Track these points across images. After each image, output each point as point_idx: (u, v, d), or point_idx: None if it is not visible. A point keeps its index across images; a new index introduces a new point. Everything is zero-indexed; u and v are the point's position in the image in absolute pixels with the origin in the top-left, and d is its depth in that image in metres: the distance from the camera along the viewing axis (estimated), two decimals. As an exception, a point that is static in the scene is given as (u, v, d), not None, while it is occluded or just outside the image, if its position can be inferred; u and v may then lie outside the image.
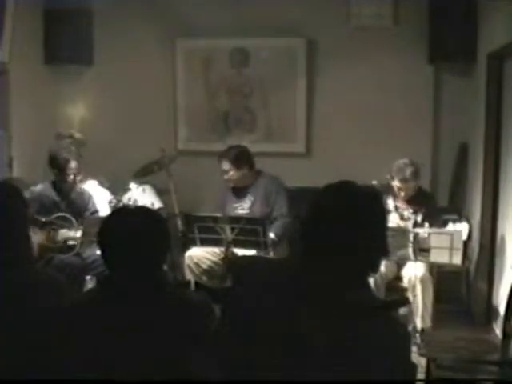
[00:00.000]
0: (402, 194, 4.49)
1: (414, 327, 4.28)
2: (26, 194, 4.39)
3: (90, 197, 4.72)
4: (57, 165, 4.48)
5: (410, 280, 4.34)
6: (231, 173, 4.80)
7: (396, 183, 4.47)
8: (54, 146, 4.68)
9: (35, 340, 2.07)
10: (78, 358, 1.99)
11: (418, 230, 4.24)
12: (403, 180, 4.43)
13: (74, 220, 4.42)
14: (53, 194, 4.52)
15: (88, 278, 4.51)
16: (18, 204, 2.46)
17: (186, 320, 2.06)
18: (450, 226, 4.38)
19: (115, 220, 2.18)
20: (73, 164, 4.47)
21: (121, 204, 4.82)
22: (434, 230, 4.25)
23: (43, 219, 4.34)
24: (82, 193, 4.71)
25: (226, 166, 4.79)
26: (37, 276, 2.38)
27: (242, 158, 4.82)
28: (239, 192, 4.95)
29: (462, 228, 4.39)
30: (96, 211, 4.68)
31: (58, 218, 4.41)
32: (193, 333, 2.05)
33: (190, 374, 2.01)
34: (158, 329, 2.01)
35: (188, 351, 2.04)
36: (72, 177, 4.50)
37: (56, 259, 4.31)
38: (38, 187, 4.55)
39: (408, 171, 4.41)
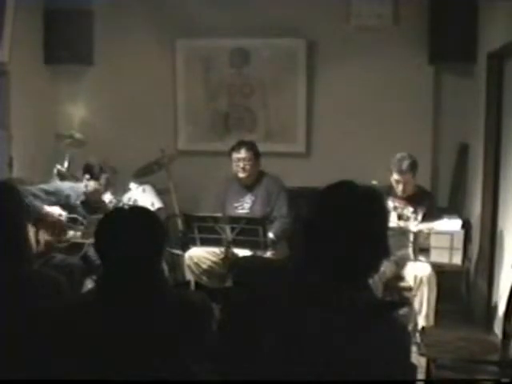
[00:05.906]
0: (400, 187, 4.53)
1: (414, 327, 4.28)
2: (47, 186, 4.44)
3: None
4: (91, 173, 4.53)
5: (415, 279, 4.34)
6: (248, 161, 4.87)
7: (394, 176, 4.53)
8: (91, 158, 4.71)
9: (35, 340, 2.07)
10: (78, 358, 1.99)
11: (419, 227, 4.30)
12: (400, 172, 4.50)
13: (84, 222, 4.43)
14: (77, 200, 4.53)
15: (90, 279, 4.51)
16: (18, 204, 2.46)
17: (185, 320, 2.06)
18: (445, 221, 4.39)
19: (110, 220, 2.17)
20: (106, 175, 4.58)
21: (121, 204, 4.83)
22: (434, 229, 4.27)
23: (57, 217, 4.35)
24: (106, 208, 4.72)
25: (244, 153, 4.87)
26: (36, 276, 2.38)
27: (257, 149, 4.95)
28: (241, 191, 4.97)
29: (456, 223, 4.41)
30: None
31: (71, 218, 4.43)
32: (192, 333, 2.05)
33: (189, 374, 2.01)
34: (157, 329, 2.01)
35: (187, 351, 2.04)
36: (103, 187, 4.58)
37: (57, 258, 4.32)
38: (66, 184, 4.62)
39: (405, 163, 4.50)
